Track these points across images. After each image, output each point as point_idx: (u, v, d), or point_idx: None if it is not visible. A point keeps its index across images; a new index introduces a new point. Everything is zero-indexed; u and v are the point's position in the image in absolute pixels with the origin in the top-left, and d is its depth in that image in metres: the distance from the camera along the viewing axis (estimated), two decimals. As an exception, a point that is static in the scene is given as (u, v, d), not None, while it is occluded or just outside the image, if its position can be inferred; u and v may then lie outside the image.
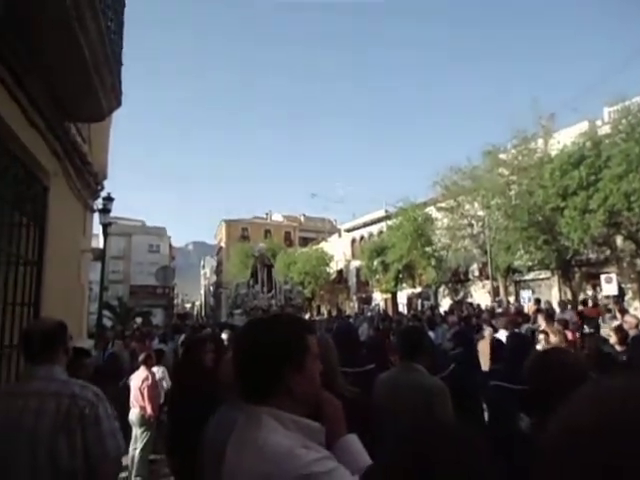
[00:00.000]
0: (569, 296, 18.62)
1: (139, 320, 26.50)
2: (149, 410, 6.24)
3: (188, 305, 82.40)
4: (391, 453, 0.81)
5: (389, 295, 30.01)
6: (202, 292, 79.52)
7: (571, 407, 0.52)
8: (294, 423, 1.26)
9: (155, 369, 7.12)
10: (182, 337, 11.49)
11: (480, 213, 21.65)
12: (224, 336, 5.93)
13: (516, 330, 8.54)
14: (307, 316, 17.53)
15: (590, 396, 0.52)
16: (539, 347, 6.97)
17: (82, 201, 4.69)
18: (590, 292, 18.91)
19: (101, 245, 13.36)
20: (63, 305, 3.92)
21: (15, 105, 2.72)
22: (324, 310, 35.64)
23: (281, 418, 1.25)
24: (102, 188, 5.20)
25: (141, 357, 7.08)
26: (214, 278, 63.23)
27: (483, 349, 7.17)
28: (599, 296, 17.39)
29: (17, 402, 1.95)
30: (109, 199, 12.02)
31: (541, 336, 7.93)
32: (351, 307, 33.58)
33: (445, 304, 23.88)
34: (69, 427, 1.93)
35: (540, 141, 18.70)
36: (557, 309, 12.19)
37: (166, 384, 7.33)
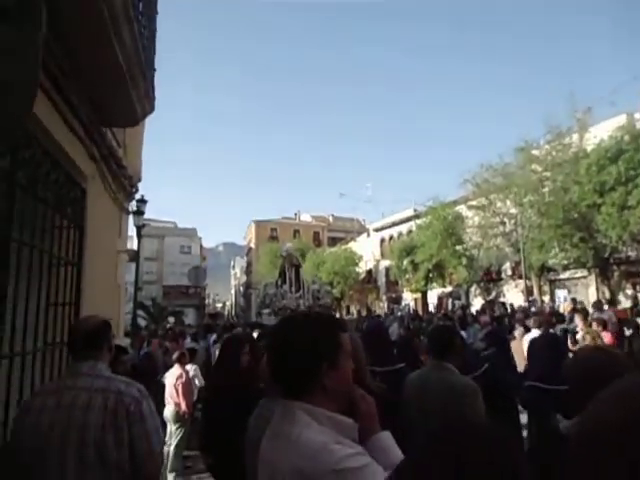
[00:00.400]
0: (607, 295, 17.99)
1: (171, 320, 27.09)
2: (183, 407, 6.38)
3: (219, 305, 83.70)
4: (422, 451, 0.81)
5: (419, 295, 29.71)
6: (232, 292, 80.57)
7: (599, 404, 0.52)
8: (328, 419, 1.27)
9: (188, 367, 7.28)
10: (214, 336, 11.72)
11: (512, 211, 21.18)
12: (254, 335, 6.01)
13: (550, 330, 8.32)
14: (336, 316, 17.55)
15: (618, 393, 0.52)
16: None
17: (118, 203, 4.84)
18: (630, 291, 18.24)
19: (135, 247, 13.71)
20: (102, 305, 4.05)
21: (54, 110, 2.83)
22: (353, 310, 35.58)
23: (315, 414, 1.27)
24: (137, 190, 5.35)
25: (175, 355, 7.25)
26: (244, 278, 64.00)
27: (516, 349, 7.03)
28: (639, 295, 16.77)
29: (66, 397, 2.02)
30: (142, 201, 12.35)
31: (580, 336, 7.71)
32: (381, 307, 33.39)
33: (477, 304, 23.45)
34: (116, 423, 1.99)
35: (575, 136, 18.16)
36: (590, 309, 11.79)
37: (198, 382, 7.48)
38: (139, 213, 12.49)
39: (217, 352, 9.37)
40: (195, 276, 14.95)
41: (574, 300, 14.48)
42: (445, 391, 2.72)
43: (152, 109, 3.79)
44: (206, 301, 51.46)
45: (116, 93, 3.32)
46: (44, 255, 2.75)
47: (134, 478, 2.03)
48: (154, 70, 3.75)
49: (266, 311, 13.62)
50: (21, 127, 1.76)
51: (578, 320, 9.13)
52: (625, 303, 17.63)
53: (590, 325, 8.52)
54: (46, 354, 2.85)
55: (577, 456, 0.52)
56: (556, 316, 10.75)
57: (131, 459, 2.02)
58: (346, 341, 1.38)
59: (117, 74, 3.07)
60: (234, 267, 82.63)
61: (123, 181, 4.76)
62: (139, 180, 5.36)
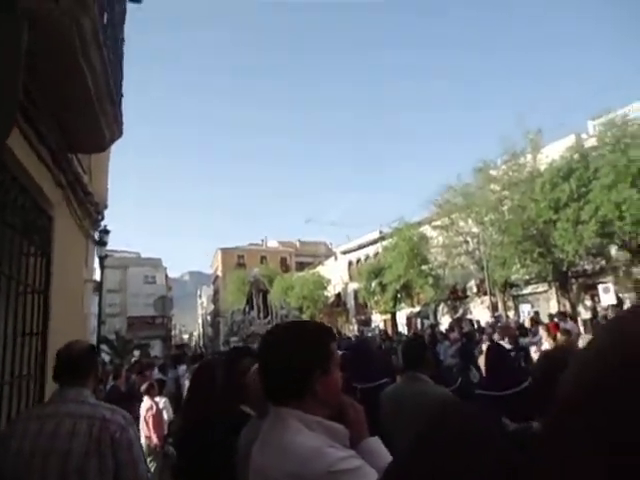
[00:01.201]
0: (568, 308, 18.66)
1: (137, 353, 26.16)
2: (155, 439, 6.16)
3: (185, 336, 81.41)
4: (407, 453, 0.84)
5: (388, 316, 29.92)
6: (200, 322, 78.75)
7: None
8: (319, 425, 1.29)
9: (157, 399, 7.04)
10: (182, 367, 11.38)
11: (474, 229, 21.85)
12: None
13: (501, 342, 8.61)
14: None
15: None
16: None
17: (84, 231, 4.73)
18: (589, 303, 18.98)
19: (98, 278, 13.30)
20: (69, 335, 3.91)
21: (22, 137, 2.79)
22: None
23: (306, 420, 1.29)
24: (102, 218, 5.25)
25: (144, 387, 7.01)
26: (211, 307, 62.75)
27: (483, 362, 7.20)
28: (598, 307, 17.45)
29: (50, 423, 1.96)
30: (105, 232, 12.05)
31: (545, 347, 7.95)
32: (351, 330, 33.36)
33: (445, 322, 23.81)
34: (100, 450, 1.94)
35: (529, 156, 19.06)
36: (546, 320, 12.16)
37: (167, 415, 7.23)
38: (102, 244, 12.16)
39: (187, 382, 9.15)
40: (162, 306, 14.58)
41: (537, 313, 14.94)
42: (421, 402, 2.75)
43: (120, 134, 3.77)
44: (172, 332, 50.08)
45: (84, 119, 3.30)
46: (12, 282, 2.66)
47: None
48: (122, 95, 3.75)
49: (234, 339, 13.41)
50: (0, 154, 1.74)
51: (542, 332, 9.43)
52: (585, 314, 18.33)
53: (554, 336, 8.82)
54: (13, 387, 2.73)
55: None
56: (520, 329, 11.04)
57: None
58: (336, 349, 1.41)
59: (86, 99, 3.06)
60: (201, 296, 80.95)
61: (89, 207, 4.67)
62: (105, 207, 5.27)
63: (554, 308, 19.78)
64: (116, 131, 3.66)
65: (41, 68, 2.69)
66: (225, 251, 54.87)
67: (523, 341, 9.48)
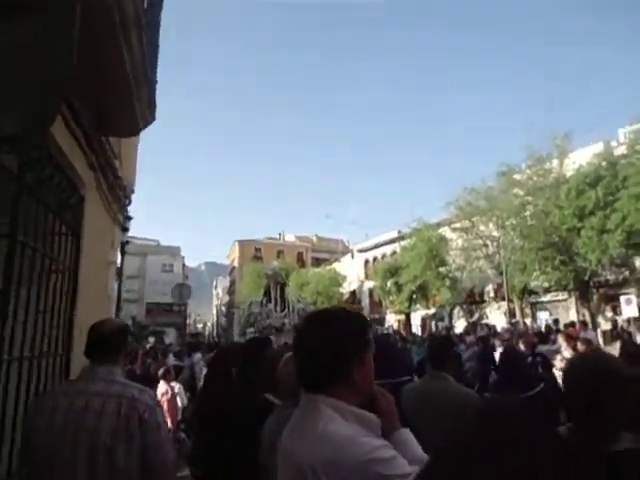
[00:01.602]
0: (587, 318, 18.30)
1: (151, 339, 26.52)
2: (169, 424, 6.23)
3: (200, 326, 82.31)
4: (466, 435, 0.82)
5: (402, 316, 29.76)
6: (214, 312, 79.49)
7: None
8: (352, 414, 1.28)
9: (173, 384, 7.13)
10: (197, 354, 11.51)
11: (495, 233, 21.56)
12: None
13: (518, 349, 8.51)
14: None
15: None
16: (556, 370, 6.88)
17: (111, 214, 4.79)
18: (609, 314, 18.59)
19: (118, 263, 13.50)
20: (94, 315, 3.98)
21: (59, 115, 2.82)
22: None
23: (340, 408, 1.28)
24: (130, 202, 5.32)
25: (161, 371, 7.11)
26: (226, 298, 63.29)
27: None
28: (619, 319, 17.08)
29: (79, 400, 1.98)
30: (127, 218, 12.20)
31: (557, 357, 7.81)
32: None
33: (460, 325, 23.57)
34: (128, 430, 1.96)
35: (555, 161, 18.72)
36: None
37: (181, 401, 7.31)
38: (124, 230, 12.33)
39: (202, 369, 9.25)
40: (179, 293, 14.75)
41: (556, 321, 14.68)
42: (445, 400, 2.72)
43: (153, 119, 3.80)
44: (187, 321, 50.69)
45: (120, 102, 3.33)
46: (45, 260, 2.71)
47: None
48: (156, 81, 3.78)
49: (250, 330, 13.46)
50: (44, 129, 1.76)
51: (561, 340, 9.26)
52: (604, 325, 17.96)
53: (575, 345, 8.66)
54: (41, 362, 2.78)
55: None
56: (539, 337, 10.87)
57: (142, 467, 1.97)
58: (371, 337, 1.40)
59: (123, 83, 3.09)
60: (216, 287, 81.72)
61: (118, 192, 4.73)
62: (132, 192, 5.33)
63: (573, 317, 19.42)
64: (149, 116, 3.69)
65: (81, 49, 2.71)
66: (242, 243, 55.23)
67: (542, 348, 9.33)
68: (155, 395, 2.17)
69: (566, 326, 12.17)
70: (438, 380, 2.86)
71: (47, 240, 2.73)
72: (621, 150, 17.57)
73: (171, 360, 10.85)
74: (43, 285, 2.78)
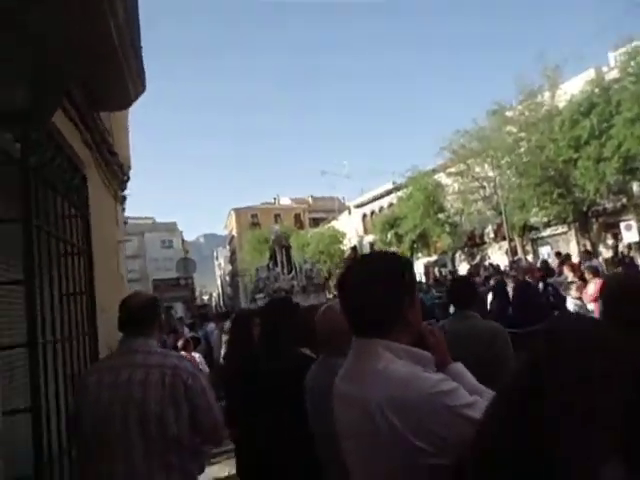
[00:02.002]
0: (589, 248, 18.51)
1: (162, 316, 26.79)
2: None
3: (206, 297, 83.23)
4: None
5: (405, 266, 30.01)
6: (218, 283, 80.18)
7: None
8: (407, 353, 1.29)
9: (194, 354, 7.26)
10: (210, 325, 11.69)
11: (491, 174, 21.47)
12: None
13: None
14: (327, 295, 17.66)
15: None
16: (571, 299, 7.01)
17: (112, 192, 4.73)
18: (610, 242, 18.78)
19: (120, 243, 13.42)
20: (110, 295, 3.99)
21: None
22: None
23: (394, 349, 1.28)
24: (128, 179, 5.23)
25: (180, 343, 7.22)
26: (229, 268, 63.73)
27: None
28: (620, 245, 17.28)
29: (123, 374, 2.01)
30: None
31: (573, 287, 7.93)
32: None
33: (462, 269, 23.87)
34: (175, 397, 1.99)
35: (547, 94, 18.38)
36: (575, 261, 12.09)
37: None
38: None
39: (217, 339, 9.40)
40: (184, 267, 14.80)
41: (559, 253, 14.83)
42: (473, 336, 2.76)
43: (144, 89, 3.67)
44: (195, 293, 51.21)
45: (109, 74, 3.20)
46: (59, 243, 2.67)
47: (195, 449, 2.05)
48: (141, 47, 3.62)
49: (260, 295, 13.57)
50: (52, 108, 1.71)
51: (567, 271, 9.40)
52: (606, 254, 18.18)
53: (581, 274, 8.79)
54: (72, 344, 2.80)
55: None
56: (546, 269, 11.03)
57: (193, 431, 2.02)
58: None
59: (110, 52, 2.96)
60: (217, 258, 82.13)
61: (116, 169, 4.64)
62: (129, 168, 5.23)
63: (574, 249, 19.67)
64: (140, 85, 3.57)
65: (64, 19, 2.58)
66: (239, 211, 55.05)
67: (548, 281, 9.47)
68: (193, 362, 2.20)
69: (562, 259, 12.30)
70: (466, 319, 2.89)
71: (58, 223, 2.68)
72: (613, 75, 17.23)
73: (186, 332, 11.01)
74: (62, 269, 2.76)
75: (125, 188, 5.25)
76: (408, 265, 1.40)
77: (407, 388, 1.18)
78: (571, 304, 6.32)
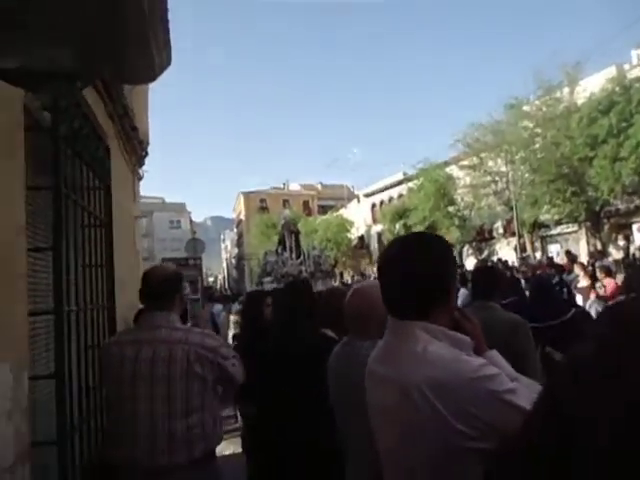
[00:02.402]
0: (599, 248, 18.36)
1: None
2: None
3: (211, 279, 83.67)
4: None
5: (412, 258, 29.96)
6: (224, 266, 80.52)
7: None
8: (445, 336, 1.27)
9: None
10: (215, 305, 11.82)
11: (503, 169, 21.25)
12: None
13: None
14: (334, 282, 17.68)
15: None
16: (588, 298, 6.99)
17: (130, 167, 4.72)
18: (621, 243, 18.61)
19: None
20: (127, 269, 4.01)
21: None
22: (347, 276, 35.89)
23: (433, 331, 1.26)
24: (147, 154, 5.21)
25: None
26: (235, 251, 63.89)
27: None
28: (631, 246, 17.13)
29: (146, 350, 2.02)
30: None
31: (582, 284, 7.89)
32: (374, 272, 33.71)
33: (469, 263, 23.77)
34: (199, 373, 2.02)
35: (566, 90, 18.08)
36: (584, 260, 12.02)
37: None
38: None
39: (224, 320, 9.49)
40: (193, 247, 14.86)
41: (568, 252, 14.73)
42: (495, 328, 2.73)
43: (169, 62, 3.62)
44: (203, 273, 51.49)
45: (136, 45, 3.16)
46: (84, 213, 2.67)
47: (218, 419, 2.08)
48: (168, 20, 3.58)
49: (268, 279, 13.61)
50: (94, 74, 1.69)
51: (578, 270, 9.36)
52: (616, 255, 18.02)
53: (592, 273, 8.74)
54: (93, 314, 2.81)
55: None
56: (555, 267, 10.97)
57: (216, 401, 2.04)
58: None
59: (139, 21, 2.92)
60: (224, 240, 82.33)
61: (135, 144, 4.62)
62: (148, 143, 5.21)
63: (584, 248, 19.52)
64: (165, 58, 3.52)
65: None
66: (247, 195, 54.99)
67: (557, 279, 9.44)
68: (216, 336, 2.21)
69: (573, 257, 12.22)
70: (486, 310, 2.87)
71: (83, 194, 2.68)
72: (635, 73, 16.91)
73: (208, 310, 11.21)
74: (86, 239, 2.76)
75: (143, 164, 5.23)
76: (451, 248, 1.39)
77: (448, 370, 1.16)
78: (590, 301, 6.30)
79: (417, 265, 1.28)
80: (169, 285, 2.16)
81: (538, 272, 9.51)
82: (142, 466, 1.97)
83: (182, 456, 1.98)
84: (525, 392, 1.16)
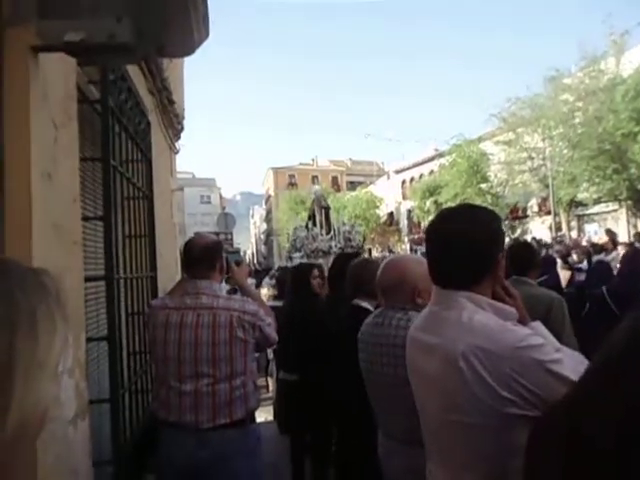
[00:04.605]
0: (639, 229, 17.69)
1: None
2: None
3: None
4: None
5: (442, 235, 29.61)
6: (252, 241, 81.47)
7: None
8: (491, 306, 1.28)
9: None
10: (252, 281, 12.03)
11: (540, 145, 20.53)
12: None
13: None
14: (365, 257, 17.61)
15: None
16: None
17: (168, 141, 4.80)
18: (665, 223, 17.87)
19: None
20: (165, 241, 4.12)
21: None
22: (376, 253, 35.82)
23: (479, 301, 1.28)
24: (183, 129, 5.28)
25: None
26: (264, 227, 64.48)
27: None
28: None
29: (191, 316, 2.11)
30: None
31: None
32: (403, 249, 33.50)
33: (502, 242, 23.27)
34: (242, 337, 2.11)
35: (611, 60, 17.17)
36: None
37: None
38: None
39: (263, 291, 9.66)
40: (224, 222, 15.09)
41: (609, 231, 14.23)
42: (531, 304, 2.71)
43: (207, 35, 3.63)
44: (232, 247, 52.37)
45: (176, 17, 3.19)
46: (129, 186, 2.76)
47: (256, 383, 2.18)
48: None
49: (297, 254, 13.68)
50: (149, 47, 1.74)
51: (621, 249, 9.12)
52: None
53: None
54: (139, 282, 2.94)
55: None
56: (594, 247, 10.65)
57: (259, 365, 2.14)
58: None
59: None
60: (253, 216, 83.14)
61: (172, 118, 4.69)
62: (184, 117, 5.28)
63: (623, 228, 18.82)
64: (204, 31, 3.53)
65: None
66: (276, 171, 55.10)
67: (597, 258, 9.18)
68: (254, 302, 2.29)
69: (614, 236, 11.82)
70: (522, 285, 2.85)
71: (128, 166, 2.76)
72: (688, 42, 15.90)
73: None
74: (130, 210, 2.86)
75: (179, 138, 5.31)
76: (499, 218, 1.39)
77: (495, 339, 1.18)
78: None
79: (468, 234, 1.28)
80: (210, 253, 2.23)
81: (573, 252, 9.28)
82: (187, 426, 2.08)
83: (225, 417, 2.08)
84: (570, 363, 1.17)
